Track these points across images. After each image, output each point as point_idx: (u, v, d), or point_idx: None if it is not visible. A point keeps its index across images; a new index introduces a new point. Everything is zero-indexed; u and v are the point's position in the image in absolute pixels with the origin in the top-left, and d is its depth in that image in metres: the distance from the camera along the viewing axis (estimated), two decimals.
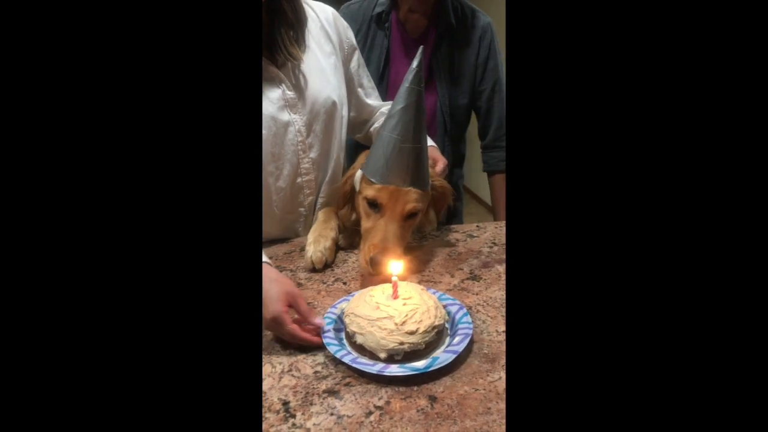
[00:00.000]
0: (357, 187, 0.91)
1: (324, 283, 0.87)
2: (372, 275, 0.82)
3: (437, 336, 0.64)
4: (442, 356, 0.61)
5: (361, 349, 0.64)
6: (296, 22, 0.92)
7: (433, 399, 0.57)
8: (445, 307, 0.70)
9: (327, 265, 0.92)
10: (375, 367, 0.60)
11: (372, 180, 0.85)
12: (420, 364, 0.60)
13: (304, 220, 1.05)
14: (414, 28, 1.28)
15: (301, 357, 0.65)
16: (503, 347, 0.66)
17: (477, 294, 0.81)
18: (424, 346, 0.62)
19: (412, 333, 0.61)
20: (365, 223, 0.88)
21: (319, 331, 0.67)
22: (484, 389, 0.58)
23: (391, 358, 0.61)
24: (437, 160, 1.04)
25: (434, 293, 0.74)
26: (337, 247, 0.97)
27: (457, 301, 0.74)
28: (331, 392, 0.59)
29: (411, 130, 0.81)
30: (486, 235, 1.06)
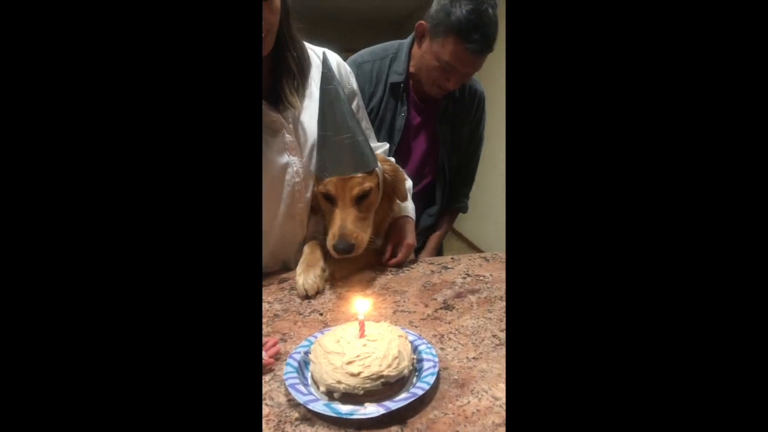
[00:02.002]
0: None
1: (300, 314, 0.88)
2: (341, 257, 0.93)
3: (384, 387, 0.60)
4: (369, 408, 0.58)
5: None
6: (298, 73, 0.97)
7: (403, 424, 0.58)
8: (420, 361, 0.67)
9: (319, 293, 0.95)
10: (318, 404, 0.59)
11: (320, 176, 0.95)
12: (346, 408, 0.58)
13: (295, 255, 1.08)
14: (424, 97, 1.36)
15: (275, 386, 0.66)
16: (472, 373, 0.68)
17: (449, 323, 0.83)
18: (362, 392, 0.59)
19: (353, 375, 0.59)
20: (327, 216, 0.97)
21: (273, 355, 0.70)
22: (453, 413, 0.60)
23: (331, 395, 0.61)
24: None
25: (427, 346, 0.70)
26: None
27: (436, 360, 0.67)
28: (304, 419, 0.60)
29: (336, 125, 0.91)
30: (460, 267, 1.09)
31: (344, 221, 0.92)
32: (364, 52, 1.37)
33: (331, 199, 0.95)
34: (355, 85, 1.16)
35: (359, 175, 0.93)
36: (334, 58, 1.10)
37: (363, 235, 0.94)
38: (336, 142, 0.91)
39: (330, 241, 0.93)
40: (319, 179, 0.96)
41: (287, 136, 0.97)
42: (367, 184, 0.94)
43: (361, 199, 0.94)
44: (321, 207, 1.01)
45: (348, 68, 1.15)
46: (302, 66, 0.98)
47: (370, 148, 0.97)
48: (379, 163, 1.00)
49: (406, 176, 1.10)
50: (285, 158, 0.98)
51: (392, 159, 1.19)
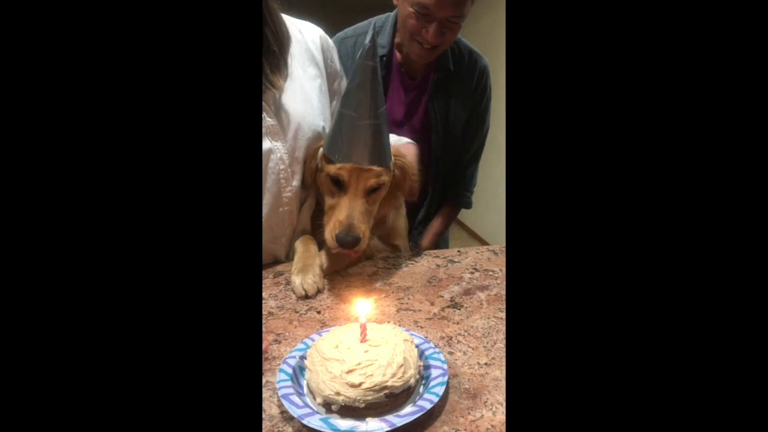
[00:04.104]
0: (320, 165, 0.91)
1: (297, 312, 0.82)
2: (339, 251, 0.85)
3: (388, 399, 0.54)
4: (371, 424, 0.52)
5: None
6: (278, 50, 0.88)
7: None
8: (427, 368, 0.61)
9: (320, 292, 0.88)
10: (315, 418, 0.53)
11: (332, 159, 0.85)
12: (345, 424, 0.52)
13: (284, 246, 1.01)
14: (413, 72, 1.25)
15: (267, 395, 0.60)
16: (485, 381, 0.62)
17: (458, 323, 0.77)
18: (363, 405, 0.53)
19: (353, 386, 0.53)
20: (329, 201, 0.89)
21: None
22: (465, 430, 0.53)
23: (329, 407, 0.54)
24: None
25: (435, 351, 0.64)
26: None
27: (445, 367, 0.61)
28: None
29: (367, 107, 0.82)
30: (467, 261, 1.03)
31: (352, 211, 0.84)
32: (348, 29, 1.27)
33: (340, 185, 0.86)
34: (338, 64, 1.07)
35: (376, 167, 0.85)
36: (317, 32, 1.02)
37: (367, 230, 0.86)
38: (360, 126, 0.82)
39: (332, 230, 0.84)
40: (329, 160, 0.87)
41: (268, 120, 0.89)
42: (383, 178, 0.87)
43: (371, 192, 0.87)
44: (322, 187, 0.92)
45: (332, 43, 1.06)
46: (281, 42, 0.88)
47: (389, 141, 0.89)
48: (392, 157, 0.91)
49: (416, 171, 1.00)
50: (267, 144, 0.89)
51: (411, 141, 1.09)
